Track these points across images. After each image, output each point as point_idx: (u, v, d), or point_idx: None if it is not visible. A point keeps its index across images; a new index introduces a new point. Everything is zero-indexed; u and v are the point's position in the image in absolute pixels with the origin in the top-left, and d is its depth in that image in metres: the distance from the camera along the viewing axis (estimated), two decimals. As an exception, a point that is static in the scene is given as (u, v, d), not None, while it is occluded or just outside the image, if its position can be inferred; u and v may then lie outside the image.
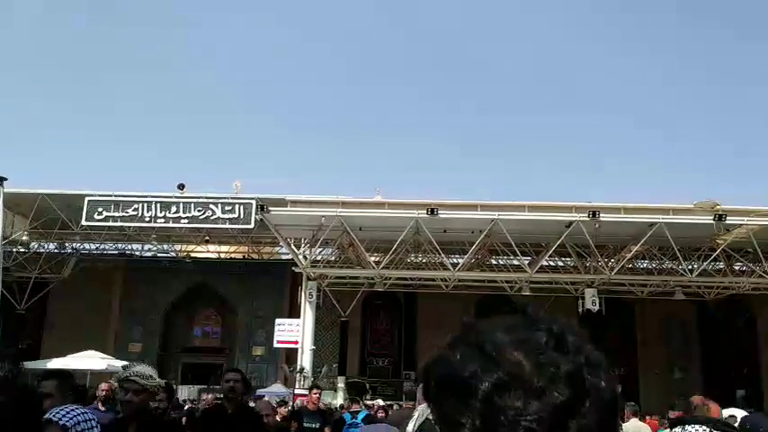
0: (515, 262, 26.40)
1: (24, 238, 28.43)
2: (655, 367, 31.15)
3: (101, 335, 30.17)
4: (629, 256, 23.66)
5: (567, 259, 26.80)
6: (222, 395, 5.51)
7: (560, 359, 0.73)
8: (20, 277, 28.96)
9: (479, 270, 26.28)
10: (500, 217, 21.17)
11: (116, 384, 4.35)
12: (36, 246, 30.34)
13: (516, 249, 22.79)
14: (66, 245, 30.98)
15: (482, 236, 21.79)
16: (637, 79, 72.35)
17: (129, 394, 3.59)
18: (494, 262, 28.06)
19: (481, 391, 0.72)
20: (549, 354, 0.74)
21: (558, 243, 22.17)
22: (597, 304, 24.31)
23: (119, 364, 24.17)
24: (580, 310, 25.05)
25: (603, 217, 21.18)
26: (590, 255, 24.41)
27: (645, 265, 27.42)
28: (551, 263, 27.28)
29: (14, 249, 28.30)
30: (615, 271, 23.85)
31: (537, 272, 24.27)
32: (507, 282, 25.92)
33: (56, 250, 30.75)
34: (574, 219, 21.35)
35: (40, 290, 29.99)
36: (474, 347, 0.77)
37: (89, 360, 22.27)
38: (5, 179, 6.69)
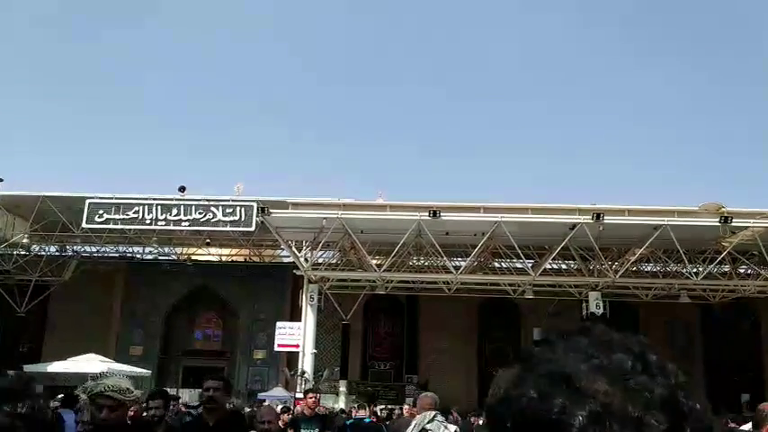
0: (518, 265, 26.23)
1: (25, 240, 28.35)
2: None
3: (102, 337, 30.04)
4: (633, 258, 23.45)
5: (571, 262, 26.60)
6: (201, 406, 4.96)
7: (651, 383, 0.66)
8: (20, 280, 28.92)
9: (482, 273, 26.08)
10: (503, 219, 20.98)
11: (85, 397, 3.94)
12: (37, 248, 30.26)
13: (519, 252, 22.57)
14: (67, 247, 30.90)
15: (485, 238, 21.61)
16: (640, 80, 72.18)
17: (105, 411, 3.11)
18: (497, 265, 27.88)
19: (575, 429, 0.63)
20: (637, 378, 0.66)
21: (562, 246, 21.97)
22: (601, 308, 24.12)
23: (119, 367, 24.15)
24: (584, 313, 24.86)
25: (607, 219, 20.98)
26: (594, 258, 24.23)
27: (649, 268, 27.21)
28: (555, 266, 27.09)
29: (15, 252, 28.24)
30: (619, 274, 23.67)
31: (540, 275, 24.09)
32: (510, 285, 25.74)
33: (57, 253, 30.67)
34: (578, 221, 21.16)
35: (41, 292, 29.89)
36: (552, 379, 0.67)
37: (89, 363, 22.12)
38: (1, 180, 6.55)
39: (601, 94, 73.09)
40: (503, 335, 32.99)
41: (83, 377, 20.32)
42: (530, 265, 25.29)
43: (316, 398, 7.89)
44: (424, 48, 77.29)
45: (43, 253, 30.07)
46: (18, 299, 29.33)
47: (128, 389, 3.25)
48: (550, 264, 25.40)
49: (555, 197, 55.54)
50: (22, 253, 28.93)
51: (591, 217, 20.89)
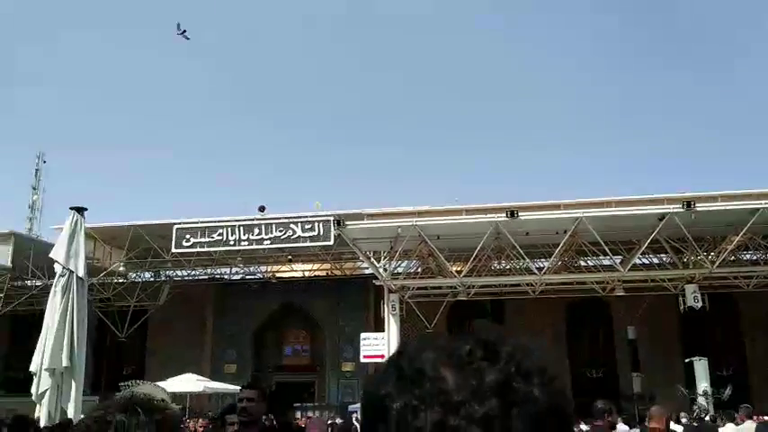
0: (605, 262, 25.26)
1: (121, 268, 29.87)
2: (765, 363, 28.86)
3: (197, 358, 31.17)
4: (730, 247, 22.05)
5: (663, 255, 25.32)
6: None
7: (487, 369, 0.68)
8: (120, 306, 30.50)
9: (567, 272, 25.23)
10: (585, 214, 20.25)
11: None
12: (133, 275, 31.80)
13: (606, 248, 21.64)
14: (160, 273, 32.26)
15: (567, 236, 20.90)
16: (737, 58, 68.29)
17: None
18: (582, 263, 26.95)
19: (393, 412, 0.67)
20: (475, 364, 0.69)
21: (651, 238, 20.94)
22: (700, 301, 22.79)
23: (215, 385, 24.98)
24: (681, 308, 23.59)
25: (699, 207, 19.84)
26: (687, 248, 22.94)
27: (749, 255, 25.50)
28: (644, 260, 25.87)
29: (113, 280, 29.82)
30: (717, 264, 22.29)
31: (630, 270, 22.99)
32: (598, 282, 24.73)
33: (151, 279, 32.09)
34: (667, 211, 20.12)
35: (139, 317, 31.36)
36: (393, 368, 0.72)
37: (187, 383, 23.04)
38: (86, 209, 6.92)
39: (674, 84, 69.74)
40: (594, 335, 31.81)
41: (181, 397, 21.24)
42: (617, 261, 24.27)
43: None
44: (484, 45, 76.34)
45: (139, 279, 31.55)
46: (119, 324, 30.92)
47: (162, 400, 2.74)
48: (639, 258, 24.27)
49: (638, 189, 53.26)
50: (120, 281, 30.49)
51: (681, 206, 19.83)
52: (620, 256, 24.58)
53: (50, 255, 7.44)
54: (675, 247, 23.22)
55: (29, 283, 27.61)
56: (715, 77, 69.56)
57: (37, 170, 30.91)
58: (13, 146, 68.04)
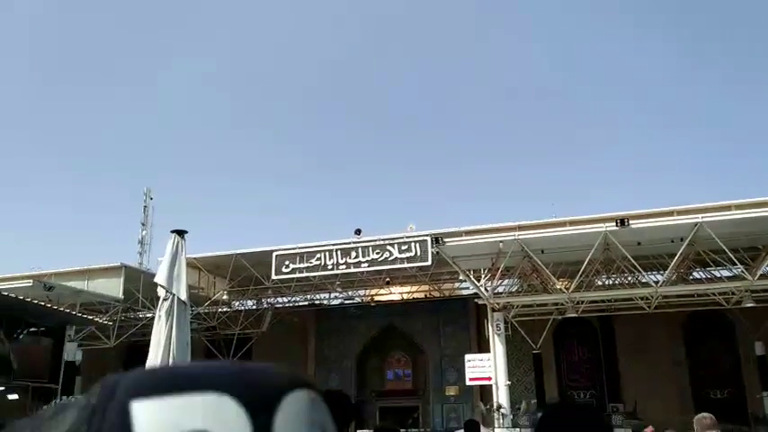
0: (725, 272, 23.20)
1: (225, 297, 30.66)
2: None
3: (300, 384, 31.30)
4: None
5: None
6: None
7: None
8: (225, 334, 31.25)
9: (685, 283, 23.34)
10: (704, 220, 18.62)
11: None
12: (237, 304, 32.56)
13: (732, 255, 19.76)
14: (262, 300, 32.84)
15: (684, 244, 19.29)
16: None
17: None
18: (699, 275, 24.91)
19: None
20: None
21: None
22: None
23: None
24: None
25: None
26: (827, 254, 20.65)
27: None
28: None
29: (218, 309, 30.63)
30: None
31: (759, 279, 20.94)
32: (722, 294, 22.69)
33: (254, 307, 32.71)
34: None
35: (244, 344, 31.96)
36: None
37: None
38: (186, 232, 6.89)
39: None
40: (716, 351, 29.27)
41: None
42: (738, 271, 22.20)
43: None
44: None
45: (242, 307, 32.23)
46: (225, 352, 31.63)
47: None
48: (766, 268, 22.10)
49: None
50: (224, 309, 31.28)
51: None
52: (743, 265, 22.50)
53: (155, 279, 7.40)
54: (811, 252, 20.98)
55: (140, 314, 28.82)
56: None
57: (145, 207, 32.49)
58: (123, 177, 72.45)
